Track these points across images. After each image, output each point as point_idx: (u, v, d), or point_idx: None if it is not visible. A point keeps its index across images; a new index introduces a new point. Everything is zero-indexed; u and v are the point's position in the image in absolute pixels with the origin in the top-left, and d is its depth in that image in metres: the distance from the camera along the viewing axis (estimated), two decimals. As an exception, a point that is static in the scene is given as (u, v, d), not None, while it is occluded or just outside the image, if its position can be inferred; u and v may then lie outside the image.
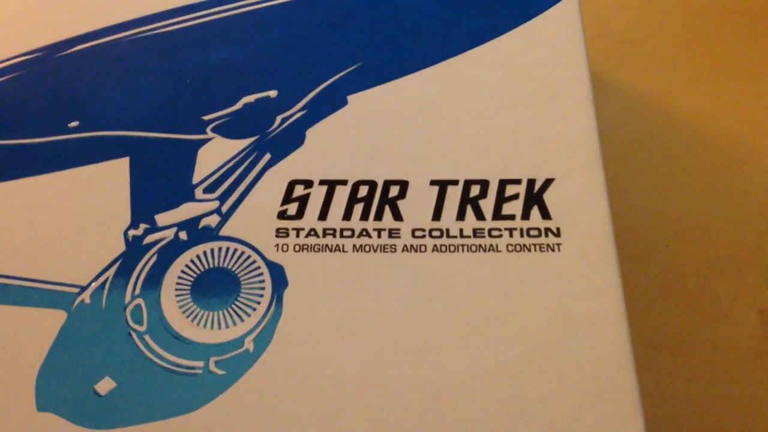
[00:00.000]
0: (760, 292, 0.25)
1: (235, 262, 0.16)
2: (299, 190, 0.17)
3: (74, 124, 0.18)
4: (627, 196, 0.27)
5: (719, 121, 0.29)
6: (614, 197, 0.26)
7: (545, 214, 0.17)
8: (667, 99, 0.29)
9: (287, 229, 0.17)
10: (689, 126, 0.29)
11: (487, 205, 0.17)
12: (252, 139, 0.18)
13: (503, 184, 0.17)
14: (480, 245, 0.17)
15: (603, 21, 0.31)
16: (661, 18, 0.31)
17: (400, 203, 0.17)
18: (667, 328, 0.24)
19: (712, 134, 0.28)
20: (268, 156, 0.18)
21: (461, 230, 0.17)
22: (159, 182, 0.17)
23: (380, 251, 0.17)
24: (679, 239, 0.26)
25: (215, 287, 0.16)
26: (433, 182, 0.17)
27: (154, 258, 0.16)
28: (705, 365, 0.23)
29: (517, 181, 0.17)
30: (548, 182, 0.17)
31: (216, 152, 0.18)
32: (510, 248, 0.17)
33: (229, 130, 0.18)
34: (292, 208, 0.17)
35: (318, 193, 0.17)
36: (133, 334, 0.16)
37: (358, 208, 0.17)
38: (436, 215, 0.17)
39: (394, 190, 0.17)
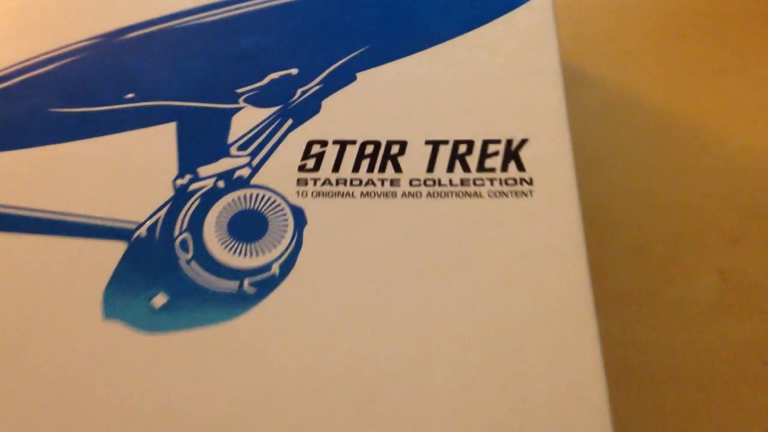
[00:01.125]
0: (721, 255, 0.28)
1: (264, 204, 0.20)
2: (316, 149, 0.20)
3: (130, 95, 0.21)
4: (604, 174, 0.30)
5: (687, 110, 0.31)
6: (593, 175, 0.29)
7: (520, 167, 0.20)
8: (642, 90, 0.32)
9: (306, 179, 0.20)
10: (661, 114, 0.31)
11: (472, 160, 0.20)
12: (277, 108, 0.21)
13: (486, 143, 0.20)
14: (466, 192, 0.19)
15: (584, 21, 0.34)
16: (637, 19, 0.34)
17: (400, 159, 0.20)
18: (634, 285, 0.27)
19: (681, 121, 0.31)
20: (290, 121, 0.21)
21: (450, 180, 0.20)
22: (200, 142, 0.20)
23: (383, 197, 0.19)
24: (650, 211, 0.29)
25: (247, 224, 0.19)
26: (427, 142, 0.20)
27: (198, 201, 0.20)
28: (669, 317, 0.26)
29: (497, 141, 0.20)
30: (523, 142, 0.20)
31: (247, 118, 0.21)
32: (491, 194, 0.19)
33: (257, 100, 0.21)
34: (310, 163, 0.20)
35: (332, 151, 0.20)
36: (181, 260, 0.19)
37: (365, 163, 0.20)
38: (430, 168, 0.20)
39: (395, 148, 0.20)
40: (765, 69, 0.32)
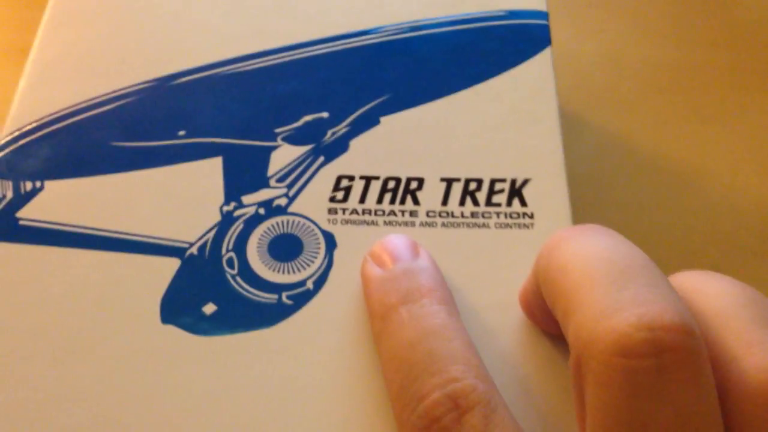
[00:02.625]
0: (703, 287, 0.31)
1: (299, 229, 0.22)
2: (345, 182, 0.23)
3: (182, 132, 0.24)
4: (597, 210, 0.33)
5: (676, 154, 0.34)
6: (588, 211, 0.32)
7: (523, 203, 0.22)
8: (635, 136, 0.35)
9: (336, 209, 0.23)
10: (651, 158, 0.34)
11: (481, 195, 0.23)
12: (310, 146, 0.23)
13: (493, 181, 0.23)
14: (475, 223, 0.22)
15: (582, 73, 0.37)
16: (630, 72, 0.37)
17: (418, 193, 0.23)
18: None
19: (668, 164, 0.34)
20: (322, 158, 0.23)
21: (462, 212, 0.22)
22: (244, 174, 0.23)
23: (403, 226, 0.22)
24: (638, 244, 0.32)
25: (285, 246, 0.22)
26: (442, 179, 0.23)
27: (241, 226, 0.22)
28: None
29: (503, 180, 0.23)
30: (526, 181, 0.23)
31: (284, 155, 0.23)
32: (497, 226, 0.22)
33: (293, 139, 0.24)
34: (340, 195, 0.23)
35: (358, 185, 0.23)
36: (228, 275, 0.21)
37: (388, 196, 0.23)
38: (444, 202, 0.23)
39: (413, 184, 0.23)
40: (743, 118, 0.35)
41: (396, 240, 0.21)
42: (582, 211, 0.32)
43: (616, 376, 0.14)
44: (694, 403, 0.14)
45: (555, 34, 0.37)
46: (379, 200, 0.23)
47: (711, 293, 0.17)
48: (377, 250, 0.21)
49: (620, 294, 0.15)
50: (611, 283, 0.15)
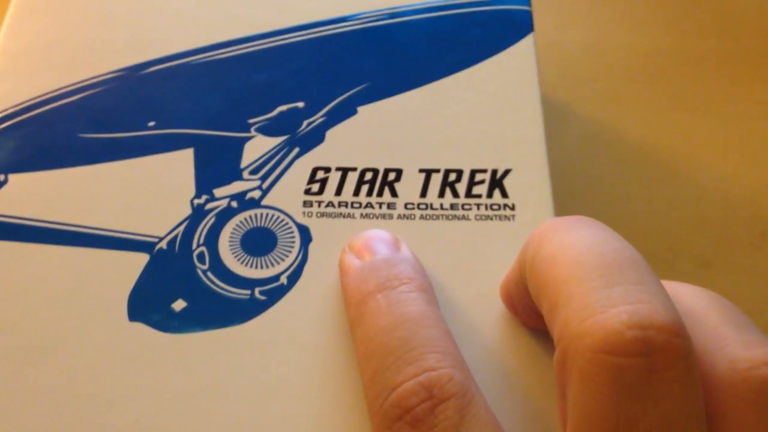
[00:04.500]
0: (691, 278, 0.30)
1: (273, 223, 0.22)
2: (320, 174, 0.22)
3: (152, 123, 0.23)
4: (584, 201, 0.32)
5: (662, 144, 0.34)
6: (573, 202, 0.31)
7: (504, 194, 0.22)
8: (620, 126, 0.35)
9: (311, 201, 0.22)
10: (637, 147, 0.34)
11: (461, 187, 0.22)
12: (285, 137, 0.23)
13: (473, 172, 0.22)
14: (455, 215, 0.22)
15: (568, 63, 0.36)
16: (616, 61, 0.36)
17: (396, 185, 0.22)
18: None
19: (656, 154, 0.34)
20: (297, 149, 0.23)
21: (441, 204, 0.22)
22: (216, 166, 0.22)
23: (380, 218, 0.21)
24: (625, 236, 0.31)
25: (258, 240, 0.21)
26: (421, 170, 0.22)
27: (213, 219, 0.22)
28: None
29: (484, 171, 0.22)
30: (507, 171, 0.22)
31: (258, 146, 0.23)
32: (477, 218, 0.22)
33: (267, 130, 0.23)
34: (315, 187, 0.22)
35: (334, 177, 0.22)
36: (198, 271, 0.21)
37: (365, 188, 0.22)
38: (423, 193, 0.22)
39: (391, 175, 0.22)
40: (731, 107, 0.35)
41: (377, 233, 0.20)
42: (568, 202, 0.32)
43: (604, 374, 0.14)
44: (682, 405, 0.14)
45: (539, 22, 0.37)
46: (356, 192, 0.22)
47: (680, 295, 0.17)
48: (357, 242, 0.20)
49: (611, 290, 0.14)
50: (601, 277, 0.15)
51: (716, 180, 0.33)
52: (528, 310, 0.19)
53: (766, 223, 0.31)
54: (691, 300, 0.17)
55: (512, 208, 0.22)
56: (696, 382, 0.14)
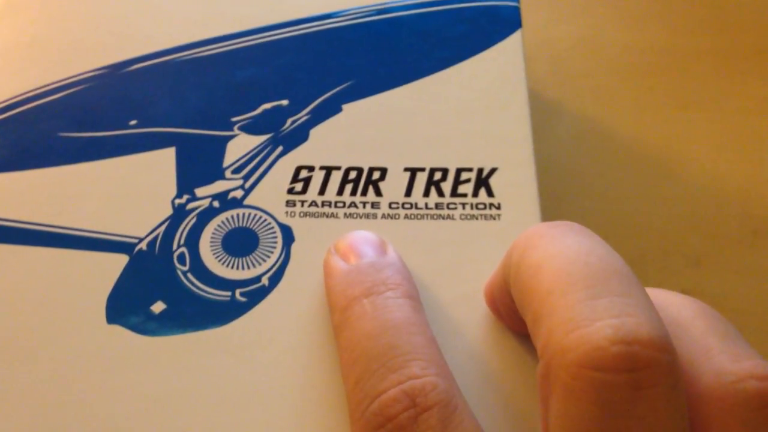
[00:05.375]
0: (683, 276, 0.30)
1: (255, 223, 0.21)
2: (304, 173, 0.22)
3: (133, 122, 0.23)
4: (575, 199, 0.32)
5: (654, 141, 0.34)
6: (564, 199, 0.31)
7: (490, 194, 0.21)
8: (611, 123, 0.34)
9: (295, 200, 0.22)
10: (629, 144, 0.34)
11: (447, 186, 0.22)
12: (268, 136, 0.22)
13: (459, 171, 0.22)
14: (440, 215, 0.21)
15: (560, 59, 0.36)
16: (608, 57, 0.36)
17: (381, 184, 0.22)
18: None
19: (647, 151, 0.33)
20: (280, 148, 0.22)
21: (426, 204, 0.21)
22: (197, 165, 0.22)
23: (365, 218, 0.21)
24: (617, 234, 0.31)
25: (240, 240, 0.21)
26: (406, 169, 0.22)
27: (194, 219, 0.21)
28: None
29: (470, 169, 0.22)
30: (493, 170, 0.22)
31: (241, 144, 0.22)
32: (463, 217, 0.21)
33: (251, 128, 0.23)
34: (298, 186, 0.22)
35: (318, 176, 0.22)
36: (179, 272, 0.20)
37: (349, 187, 0.22)
38: (408, 193, 0.21)
39: (376, 174, 0.22)
40: (724, 103, 0.34)
41: (363, 235, 0.20)
42: (559, 200, 0.31)
43: (587, 390, 0.13)
44: (665, 422, 0.13)
45: (530, 18, 0.36)
46: (340, 191, 0.22)
47: (667, 305, 0.16)
48: (343, 244, 0.20)
49: (595, 302, 0.14)
50: (586, 288, 0.14)
51: (709, 178, 0.32)
52: (512, 314, 0.18)
53: (759, 221, 0.31)
54: (678, 310, 0.16)
55: (498, 207, 0.21)
56: (681, 399, 0.14)
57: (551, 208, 0.32)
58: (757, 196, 0.32)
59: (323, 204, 0.22)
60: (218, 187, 0.22)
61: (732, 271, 0.30)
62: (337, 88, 0.24)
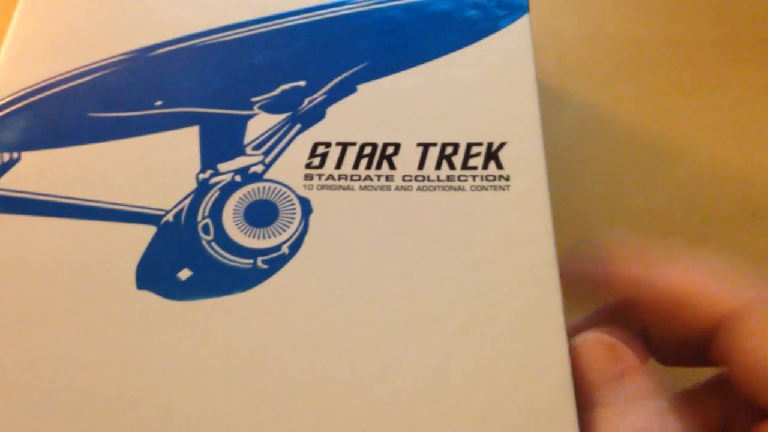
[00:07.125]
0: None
1: (275, 195, 0.22)
2: (321, 149, 0.23)
3: (159, 102, 0.24)
4: (579, 182, 0.33)
5: (657, 127, 0.34)
6: (569, 182, 0.32)
7: (499, 166, 0.22)
8: (615, 110, 0.35)
9: (312, 174, 0.23)
10: (631, 130, 0.34)
11: (457, 159, 0.23)
12: (287, 114, 0.23)
13: (469, 145, 0.23)
14: (451, 186, 0.22)
15: (564, 48, 0.37)
16: (611, 46, 0.37)
17: (394, 158, 0.23)
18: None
19: (649, 136, 0.34)
20: (298, 126, 0.23)
21: (438, 176, 0.22)
22: (220, 142, 0.23)
23: (379, 190, 0.22)
24: (620, 215, 0.32)
25: (261, 212, 0.22)
26: (418, 144, 0.23)
27: (218, 193, 0.22)
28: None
29: (479, 144, 0.23)
30: (502, 144, 0.23)
31: (261, 123, 0.23)
32: (473, 188, 0.22)
33: (270, 107, 0.24)
34: (316, 161, 0.23)
35: (335, 151, 0.23)
36: (203, 241, 0.22)
37: (364, 161, 0.23)
38: (420, 166, 0.22)
39: (390, 149, 0.23)
40: (724, 90, 0.35)
41: None
42: (563, 186, 0.32)
43: None
44: None
45: (536, 9, 0.37)
46: (355, 166, 0.23)
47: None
48: None
49: None
50: None
51: (709, 162, 0.33)
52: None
53: (757, 204, 0.32)
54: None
55: (507, 178, 0.22)
56: None
57: (556, 193, 0.33)
58: (756, 180, 0.33)
59: (340, 177, 0.23)
60: (240, 162, 0.23)
61: (731, 253, 0.31)
62: (352, 70, 0.25)
